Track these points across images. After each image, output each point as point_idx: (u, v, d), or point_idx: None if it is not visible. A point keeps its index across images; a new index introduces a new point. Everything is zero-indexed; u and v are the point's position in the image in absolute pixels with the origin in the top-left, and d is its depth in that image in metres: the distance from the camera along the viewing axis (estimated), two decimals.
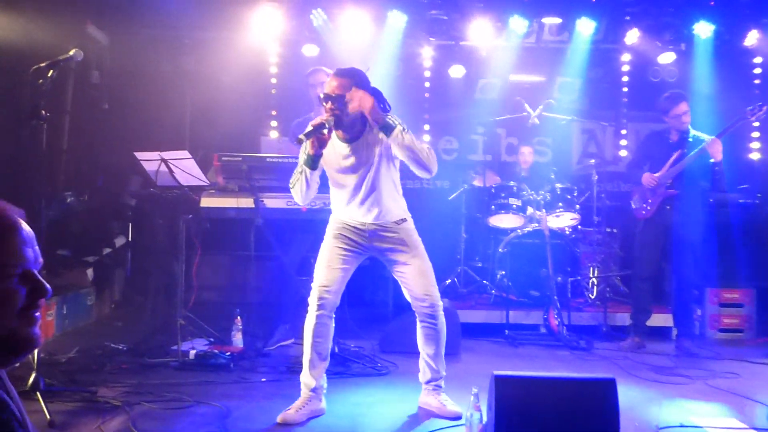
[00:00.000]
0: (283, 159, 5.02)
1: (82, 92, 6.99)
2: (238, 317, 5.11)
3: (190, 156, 4.88)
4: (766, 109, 5.29)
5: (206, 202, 5.12)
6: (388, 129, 3.52)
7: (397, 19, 7.24)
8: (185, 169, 4.88)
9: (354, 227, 3.80)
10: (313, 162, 3.57)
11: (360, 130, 3.68)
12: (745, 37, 7.45)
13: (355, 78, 3.59)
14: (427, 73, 8.15)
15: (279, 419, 3.62)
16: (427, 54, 8.04)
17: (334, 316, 3.81)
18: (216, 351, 4.78)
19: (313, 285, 3.79)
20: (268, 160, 5.06)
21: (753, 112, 5.31)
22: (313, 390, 3.76)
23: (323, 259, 3.79)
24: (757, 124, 7.52)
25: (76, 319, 6.06)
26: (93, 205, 6.94)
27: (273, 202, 5.01)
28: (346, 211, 3.81)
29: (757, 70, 7.99)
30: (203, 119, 7.72)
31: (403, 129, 3.54)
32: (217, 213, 5.14)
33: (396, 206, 3.80)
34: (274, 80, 8.02)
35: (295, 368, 4.46)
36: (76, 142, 6.76)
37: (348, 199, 3.76)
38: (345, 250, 3.79)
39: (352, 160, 3.68)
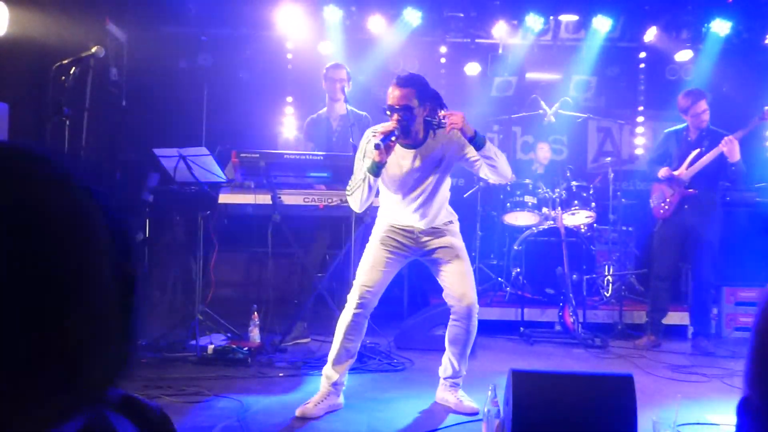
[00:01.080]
0: (301, 155, 5.05)
1: (100, 89, 7.04)
2: (255, 313, 5.13)
3: (209, 152, 4.92)
4: None
5: (224, 198, 5.15)
6: (479, 142, 3.58)
7: (413, 17, 7.25)
8: (204, 165, 4.92)
9: (403, 229, 3.82)
10: (378, 169, 3.58)
11: (423, 138, 3.72)
12: (764, 35, 7.39)
13: (416, 86, 3.59)
14: (443, 71, 8.15)
15: (297, 413, 3.66)
16: (442, 51, 8.04)
17: (368, 316, 3.85)
18: (234, 346, 4.82)
19: (354, 283, 3.81)
20: (285, 156, 5.07)
21: None
22: (334, 385, 3.79)
23: (368, 260, 3.81)
24: None
25: None
26: (111, 201, 6.99)
27: (290, 198, 5.03)
28: (397, 214, 3.82)
29: None
30: (220, 116, 7.76)
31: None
32: (235, 209, 5.17)
33: (446, 209, 3.89)
34: (290, 77, 8.05)
35: (312, 364, 4.51)
36: (94, 138, 6.81)
37: (403, 203, 3.78)
38: (391, 252, 3.80)
39: (413, 165, 3.71)
